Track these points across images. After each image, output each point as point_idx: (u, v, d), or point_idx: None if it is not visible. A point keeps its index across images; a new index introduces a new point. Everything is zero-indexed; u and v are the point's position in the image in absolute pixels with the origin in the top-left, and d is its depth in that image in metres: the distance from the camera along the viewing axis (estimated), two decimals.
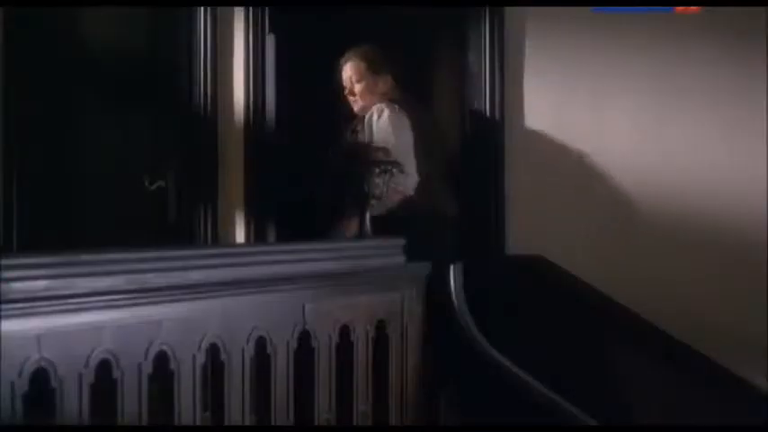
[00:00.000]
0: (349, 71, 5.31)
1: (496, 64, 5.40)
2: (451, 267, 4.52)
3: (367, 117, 5.13)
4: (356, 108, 5.28)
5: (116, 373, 2.94)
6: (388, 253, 4.13)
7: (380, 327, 3.99)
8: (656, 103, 5.20)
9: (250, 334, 3.38)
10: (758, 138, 5.04)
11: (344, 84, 5.32)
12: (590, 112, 5.28)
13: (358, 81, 5.29)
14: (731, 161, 5.10)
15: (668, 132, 5.19)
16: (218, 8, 5.68)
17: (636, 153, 5.22)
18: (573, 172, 5.28)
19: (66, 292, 2.79)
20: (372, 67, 5.30)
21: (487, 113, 5.42)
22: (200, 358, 3.20)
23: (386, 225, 4.58)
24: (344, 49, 5.39)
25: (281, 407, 3.55)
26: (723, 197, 5.10)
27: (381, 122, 5.09)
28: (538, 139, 5.35)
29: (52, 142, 5.68)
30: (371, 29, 5.70)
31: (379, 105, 5.17)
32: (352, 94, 5.29)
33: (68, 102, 5.64)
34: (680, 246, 5.14)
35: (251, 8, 5.75)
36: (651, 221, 5.18)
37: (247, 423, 3.42)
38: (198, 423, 3.21)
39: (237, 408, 3.37)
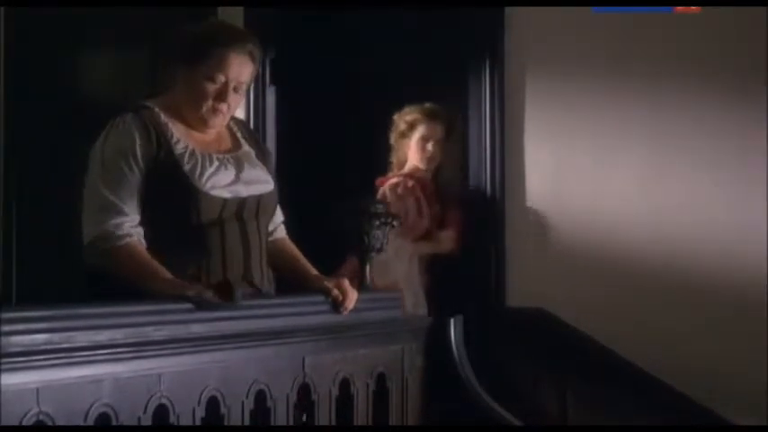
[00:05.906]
0: (242, 70, 3.53)
1: (497, 121, 5.42)
2: (452, 320, 4.51)
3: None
4: (215, 121, 3.56)
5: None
6: (388, 305, 4.12)
7: (381, 380, 3.97)
8: (657, 158, 5.22)
9: (250, 387, 3.36)
10: (758, 191, 5.06)
11: (222, 80, 3.48)
12: (590, 167, 5.30)
13: (240, 89, 3.57)
14: (731, 214, 5.12)
15: (668, 187, 5.20)
16: None
17: (636, 206, 5.24)
18: (573, 225, 5.29)
19: (66, 346, 2.79)
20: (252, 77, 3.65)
21: (488, 167, 5.43)
22: (200, 412, 3.19)
23: None
24: (346, 103, 5.35)
25: None
26: (723, 249, 5.11)
27: None
28: (539, 193, 5.36)
29: (53, 193, 5.71)
30: (373, 86, 5.73)
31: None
32: (224, 100, 3.52)
33: (69, 151, 5.67)
34: (680, 297, 5.14)
35: None
36: (651, 274, 5.18)
37: None
38: None
39: None
